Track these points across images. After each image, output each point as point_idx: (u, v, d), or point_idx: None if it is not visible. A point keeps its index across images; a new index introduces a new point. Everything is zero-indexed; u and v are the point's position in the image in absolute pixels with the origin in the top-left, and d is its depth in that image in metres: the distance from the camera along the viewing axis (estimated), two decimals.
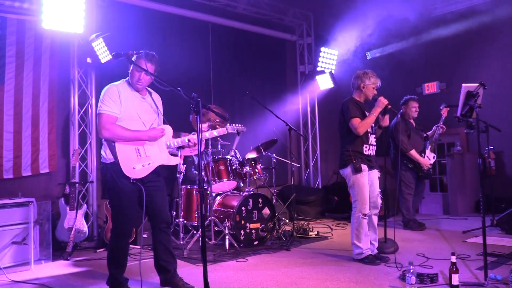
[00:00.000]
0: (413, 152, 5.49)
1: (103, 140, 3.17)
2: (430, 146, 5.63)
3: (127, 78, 3.24)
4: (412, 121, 5.74)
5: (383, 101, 3.95)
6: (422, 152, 5.59)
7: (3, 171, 4.84)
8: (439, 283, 3.22)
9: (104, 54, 5.20)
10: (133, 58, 3.15)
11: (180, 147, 3.37)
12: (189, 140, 3.29)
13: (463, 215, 6.64)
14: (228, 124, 3.91)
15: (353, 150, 3.98)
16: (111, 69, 5.39)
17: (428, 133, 5.74)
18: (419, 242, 4.82)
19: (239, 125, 3.97)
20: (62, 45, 5.38)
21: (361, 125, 3.93)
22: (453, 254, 3.10)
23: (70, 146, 5.42)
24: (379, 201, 4.08)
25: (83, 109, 5.54)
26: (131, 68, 3.17)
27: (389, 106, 3.97)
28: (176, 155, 3.41)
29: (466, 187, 6.90)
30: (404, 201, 5.64)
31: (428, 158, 5.58)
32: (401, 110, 5.72)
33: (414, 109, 5.70)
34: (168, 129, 3.32)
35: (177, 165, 4.84)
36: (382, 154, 4.32)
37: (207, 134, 3.61)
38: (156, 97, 3.40)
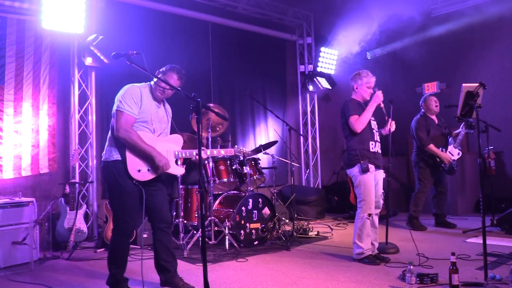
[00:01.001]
0: (432, 146, 5.46)
1: (109, 136, 3.16)
2: (454, 143, 5.60)
3: (149, 83, 3.26)
4: (434, 117, 5.73)
5: (379, 96, 3.98)
6: (443, 147, 5.55)
7: (3, 171, 4.84)
8: (439, 283, 3.22)
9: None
10: (164, 68, 3.23)
11: (187, 159, 3.41)
12: (197, 155, 3.30)
13: (463, 215, 6.64)
14: (236, 146, 4.03)
15: (360, 149, 3.96)
16: (111, 69, 5.40)
17: (455, 131, 5.69)
18: (419, 242, 4.81)
19: (246, 150, 4.07)
20: (62, 45, 5.38)
21: (358, 122, 3.94)
22: (453, 254, 3.10)
23: (70, 146, 5.42)
24: (381, 201, 4.09)
25: (83, 109, 5.54)
26: (160, 76, 3.19)
27: (382, 105, 4.02)
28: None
29: (466, 187, 6.90)
30: (415, 197, 5.62)
31: (451, 154, 5.52)
32: (422, 110, 5.73)
33: (434, 102, 5.69)
34: (179, 139, 3.35)
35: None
36: (384, 154, 4.31)
37: (215, 152, 3.74)
38: (168, 108, 3.45)
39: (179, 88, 3.14)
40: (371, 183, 3.94)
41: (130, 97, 3.08)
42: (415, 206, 5.61)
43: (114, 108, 3.10)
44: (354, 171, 3.99)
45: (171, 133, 3.44)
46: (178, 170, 3.37)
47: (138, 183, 3.10)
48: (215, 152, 3.68)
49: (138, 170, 3.09)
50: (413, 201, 5.65)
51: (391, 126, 4.17)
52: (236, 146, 4.01)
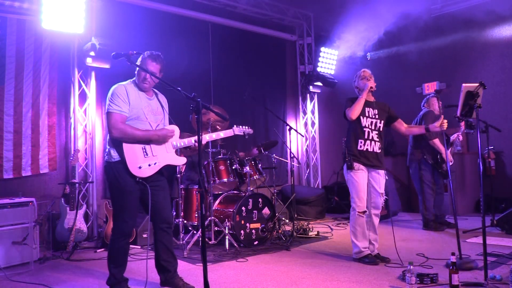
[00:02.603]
0: (437, 141, 5.41)
1: (108, 138, 3.18)
2: (450, 148, 5.58)
3: (133, 79, 3.26)
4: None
5: (368, 84, 4.02)
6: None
7: (3, 171, 4.84)
8: (439, 283, 3.22)
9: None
10: (139, 59, 3.17)
11: (187, 148, 3.39)
12: (195, 141, 3.30)
13: (463, 215, 6.63)
14: (234, 126, 3.89)
15: (348, 148, 4.06)
16: (111, 69, 5.40)
17: (451, 137, 5.68)
18: (419, 242, 4.82)
19: (246, 127, 3.95)
20: (62, 45, 5.38)
21: (351, 110, 3.98)
22: (453, 254, 3.10)
23: (70, 146, 5.42)
24: (381, 201, 4.08)
25: (83, 109, 5.54)
26: (138, 68, 3.18)
27: (372, 89, 4.03)
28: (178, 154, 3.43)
29: (466, 187, 6.90)
30: (424, 200, 5.58)
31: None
32: (425, 109, 5.72)
33: (437, 104, 5.67)
34: (175, 130, 3.34)
35: (176, 165, 4.85)
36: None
37: (214, 136, 3.63)
38: (162, 98, 3.42)
39: (161, 73, 3.17)
40: (359, 181, 3.97)
41: (117, 96, 3.10)
42: (426, 210, 5.56)
43: (105, 111, 3.13)
44: (344, 168, 4.10)
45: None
46: (179, 160, 3.37)
47: (141, 180, 3.11)
48: (214, 135, 3.60)
49: (139, 167, 3.10)
50: (423, 206, 5.59)
51: (443, 124, 4.05)
52: (234, 126, 3.93)
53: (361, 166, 3.99)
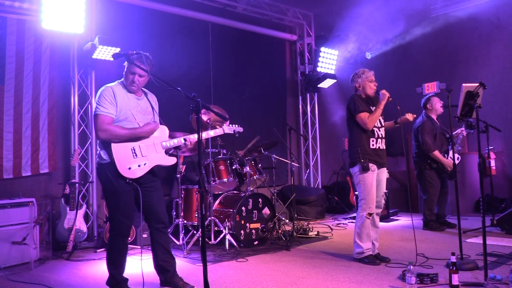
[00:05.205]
0: (437, 153, 5.43)
1: (98, 141, 3.17)
2: (452, 148, 5.59)
3: (121, 80, 3.24)
4: (437, 120, 5.69)
5: (384, 93, 3.96)
6: (445, 152, 5.53)
7: (3, 171, 4.84)
8: (439, 283, 3.22)
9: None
10: (125, 63, 3.16)
11: (177, 147, 3.38)
12: (185, 140, 3.30)
13: (463, 215, 6.59)
14: (225, 124, 3.89)
15: (360, 147, 3.97)
16: (111, 68, 5.40)
17: (453, 133, 5.68)
18: (419, 242, 4.81)
19: (236, 126, 3.97)
20: (62, 45, 5.38)
21: (370, 120, 3.92)
22: (453, 254, 3.10)
23: (70, 146, 5.42)
24: (383, 201, 4.09)
25: (83, 109, 5.54)
26: (125, 70, 3.18)
27: (390, 99, 3.97)
28: (174, 155, 3.41)
29: (466, 187, 6.90)
30: (428, 201, 5.57)
31: (452, 159, 5.47)
32: (423, 111, 5.70)
33: (439, 103, 5.66)
34: (164, 130, 3.33)
35: (177, 165, 4.85)
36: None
37: (204, 135, 3.60)
38: (152, 97, 3.40)
39: (151, 73, 3.15)
40: (372, 182, 3.94)
41: (104, 98, 3.09)
42: (429, 210, 5.56)
43: (93, 114, 3.14)
44: (355, 169, 4.01)
45: None
46: (169, 160, 3.34)
47: (131, 181, 3.10)
48: (204, 135, 3.58)
49: (129, 168, 3.09)
50: (426, 205, 5.58)
51: (406, 117, 4.17)
52: (225, 124, 3.90)
53: (374, 167, 3.96)
